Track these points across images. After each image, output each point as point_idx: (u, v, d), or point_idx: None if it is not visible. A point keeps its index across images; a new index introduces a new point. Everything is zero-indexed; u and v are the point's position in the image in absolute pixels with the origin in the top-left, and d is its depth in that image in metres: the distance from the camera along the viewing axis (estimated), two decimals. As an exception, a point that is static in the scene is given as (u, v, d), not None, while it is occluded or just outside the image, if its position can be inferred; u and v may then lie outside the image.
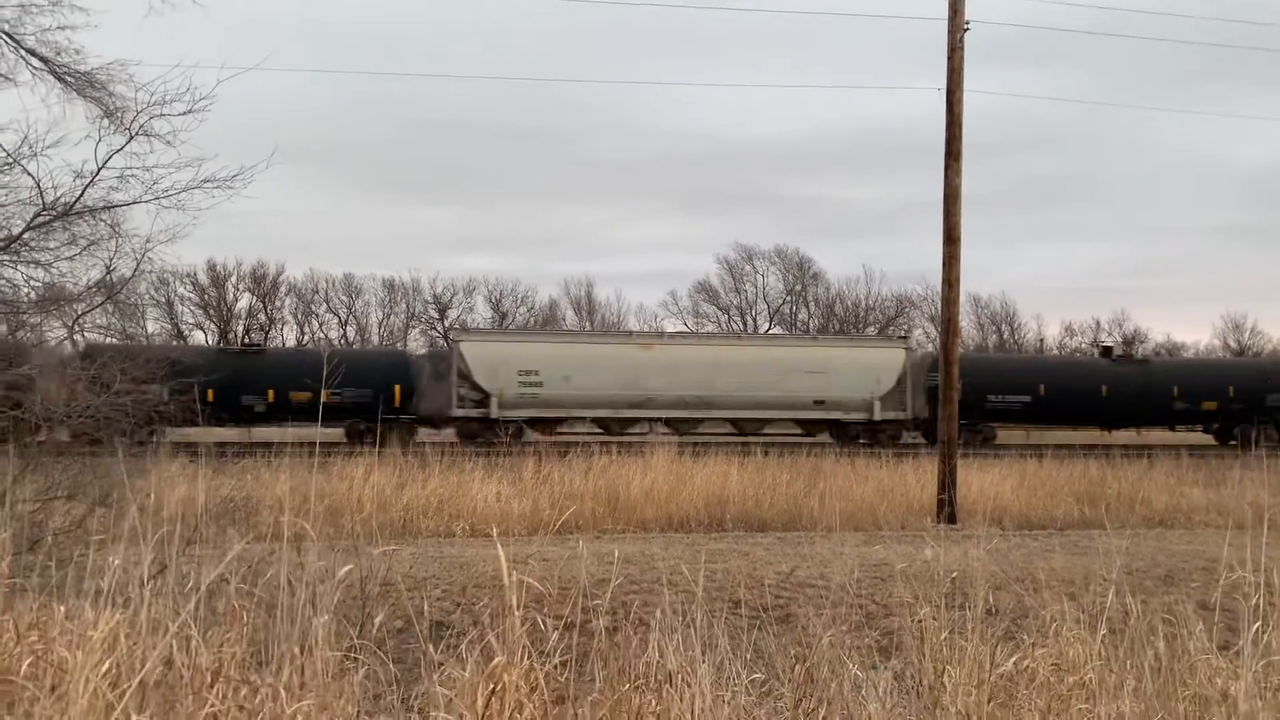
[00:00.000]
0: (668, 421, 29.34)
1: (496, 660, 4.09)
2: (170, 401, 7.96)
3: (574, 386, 28.69)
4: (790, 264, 62.40)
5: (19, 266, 8.57)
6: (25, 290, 8.87)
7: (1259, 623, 5.05)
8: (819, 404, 29.91)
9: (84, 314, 8.98)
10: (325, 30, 73.93)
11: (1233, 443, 30.90)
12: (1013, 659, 5.21)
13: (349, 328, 59.94)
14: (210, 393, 24.17)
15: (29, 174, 8.19)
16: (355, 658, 4.73)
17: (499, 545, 4.48)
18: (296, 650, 4.28)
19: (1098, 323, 63.20)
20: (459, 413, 28.51)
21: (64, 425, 7.95)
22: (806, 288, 62.51)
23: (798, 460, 17.45)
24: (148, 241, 8.60)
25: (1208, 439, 33.17)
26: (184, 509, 9.02)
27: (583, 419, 29.42)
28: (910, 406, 30.60)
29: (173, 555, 5.06)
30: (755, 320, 62.12)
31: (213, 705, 3.95)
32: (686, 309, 62.30)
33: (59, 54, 9.09)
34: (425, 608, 7.63)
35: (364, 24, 76.51)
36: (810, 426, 30.28)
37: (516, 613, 4.22)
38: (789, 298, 62.64)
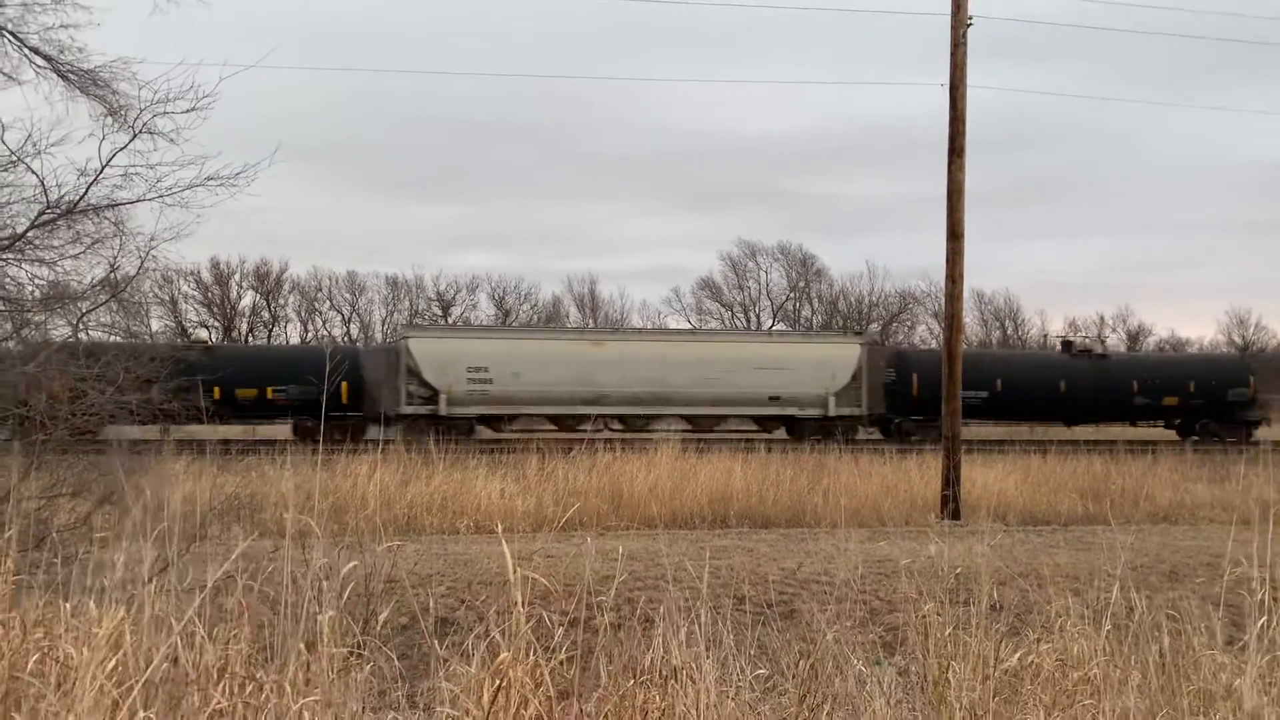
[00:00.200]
0: (621, 418, 29.14)
1: (502, 656, 4.09)
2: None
3: (524, 383, 28.42)
4: (793, 260, 62.44)
5: (24, 265, 8.59)
6: (30, 288, 8.89)
7: (1264, 618, 5.05)
8: (774, 400, 29.70)
9: (88, 312, 8.98)
10: (325, 28, 73.98)
11: (1194, 439, 30.65)
12: (1017, 654, 5.21)
13: (352, 325, 60.04)
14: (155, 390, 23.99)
15: (33, 172, 8.20)
16: (360, 654, 4.74)
17: (504, 542, 4.48)
18: (302, 647, 4.29)
19: (1102, 318, 63.19)
20: (408, 410, 28.22)
21: (67, 423, 7.97)
22: (810, 284, 62.52)
23: (801, 457, 17.44)
24: (152, 239, 8.60)
25: (1170, 434, 32.85)
26: (188, 506, 9.04)
27: (534, 416, 29.11)
28: (865, 402, 30.43)
29: (174, 554, 5.07)
30: (759, 317, 62.13)
31: (218, 702, 3.95)
32: (690, 306, 62.38)
33: (62, 52, 9.11)
34: (430, 604, 7.64)
35: (364, 22, 76.54)
36: (765, 423, 30.05)
37: (521, 609, 4.22)
38: (792, 294, 62.65)
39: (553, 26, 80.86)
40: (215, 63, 8.47)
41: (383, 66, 75.24)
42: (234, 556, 4.57)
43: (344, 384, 28.03)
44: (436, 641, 4.77)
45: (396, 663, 4.95)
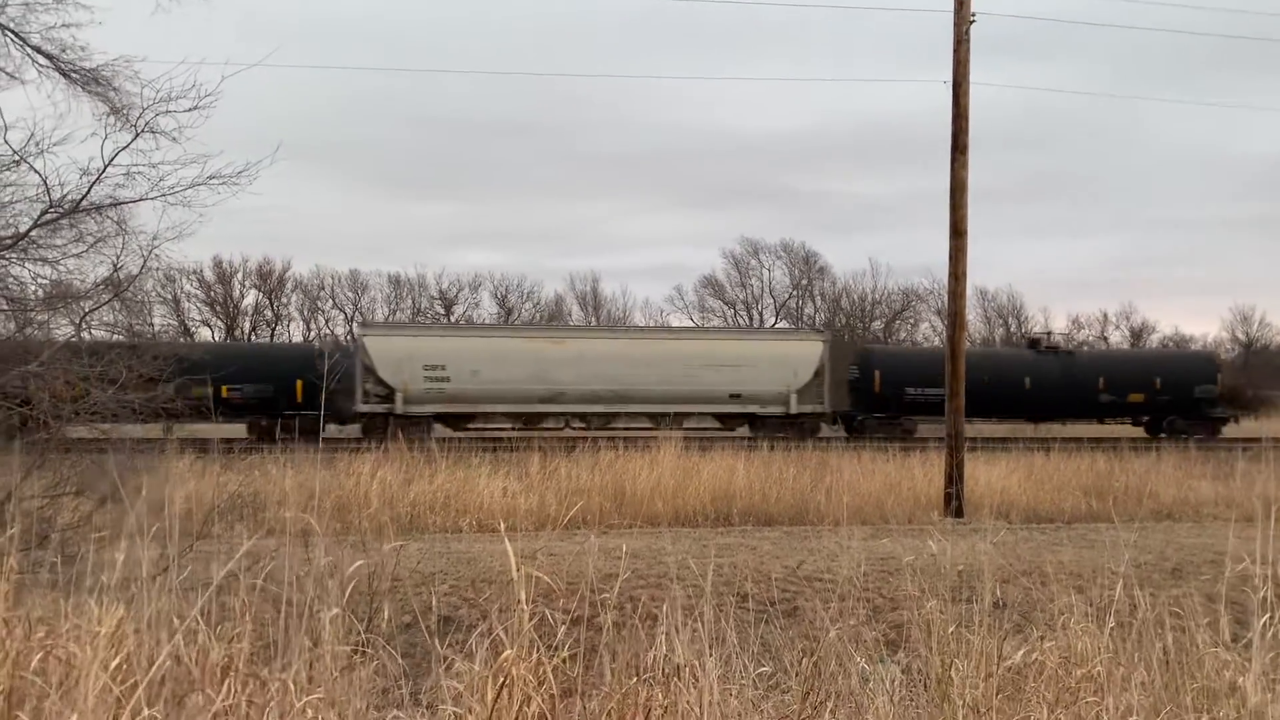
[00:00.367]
0: (581, 416, 29.06)
1: (506, 654, 4.09)
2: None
3: (482, 381, 28.31)
4: (796, 258, 62.39)
5: (26, 264, 8.60)
6: (33, 288, 8.90)
7: (1268, 615, 5.04)
8: (735, 398, 29.56)
9: (91, 311, 8.99)
10: (327, 28, 73.99)
11: (1162, 435, 30.51)
12: (1021, 652, 5.20)
13: (355, 324, 60.03)
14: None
15: (36, 171, 8.21)
16: (364, 652, 4.75)
17: (506, 540, 4.49)
18: (307, 644, 4.29)
19: (1105, 315, 63.07)
20: (364, 408, 28.15)
21: (70, 422, 7.98)
22: (813, 282, 62.47)
23: (804, 454, 17.44)
24: (154, 238, 8.61)
25: (1137, 431, 32.68)
26: (192, 505, 9.05)
27: (493, 414, 28.99)
28: (828, 399, 30.37)
29: (174, 553, 5.08)
30: (761, 315, 62.10)
31: (223, 700, 3.96)
32: (692, 304, 62.34)
33: (64, 51, 9.13)
34: (434, 603, 7.65)
35: (365, 22, 76.56)
36: (728, 420, 29.92)
37: (525, 607, 4.22)
38: (795, 292, 62.62)
39: (553, 25, 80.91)
40: (217, 62, 8.49)
41: (384, 66, 75.26)
42: (239, 555, 4.58)
43: (299, 382, 27.91)
44: (439, 639, 4.77)
45: (400, 660, 4.95)
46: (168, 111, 8.38)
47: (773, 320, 61.85)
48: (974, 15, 14.72)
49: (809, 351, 30.38)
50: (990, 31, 33.57)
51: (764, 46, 77.94)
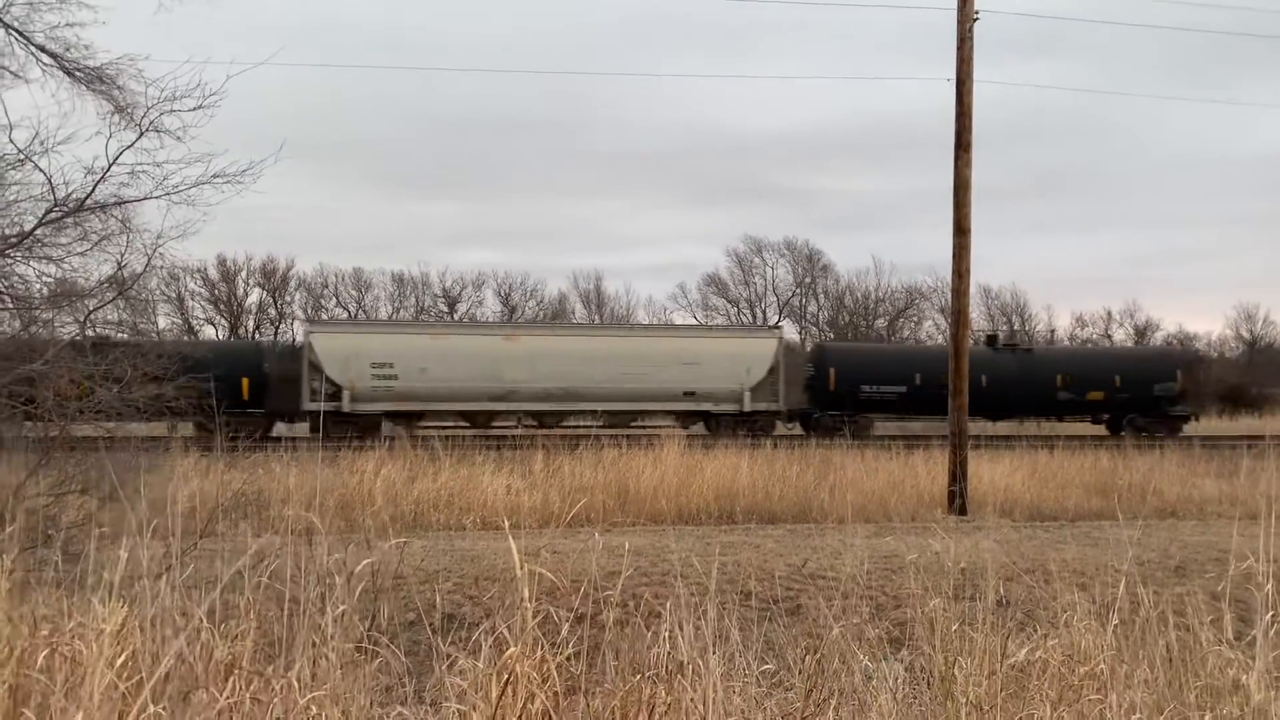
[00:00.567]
0: (534, 414, 28.89)
1: (511, 651, 4.10)
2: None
3: (431, 379, 28.01)
4: (800, 256, 62.36)
5: (31, 262, 8.62)
6: (37, 286, 8.92)
7: (1271, 613, 5.04)
8: (689, 395, 29.39)
9: (95, 310, 9.01)
10: (327, 26, 74.01)
11: (1123, 433, 30.41)
12: (1024, 650, 5.20)
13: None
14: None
15: (41, 170, 8.23)
16: (367, 649, 4.75)
17: (510, 538, 4.49)
18: (315, 639, 4.30)
19: (1109, 313, 63.00)
20: (311, 406, 27.75)
21: (75, 420, 8.00)
22: (816, 280, 62.45)
23: (807, 452, 17.44)
24: (158, 237, 8.63)
25: (1098, 429, 32.46)
26: (196, 503, 9.07)
27: (443, 412, 28.74)
28: (783, 397, 30.21)
29: (178, 551, 5.09)
30: (765, 312, 62.10)
31: (227, 698, 3.97)
32: (696, 302, 62.33)
33: (68, 50, 9.13)
34: (438, 601, 7.66)
35: (369, 20, 76.59)
36: (683, 418, 29.80)
37: (529, 604, 4.23)
38: (798, 290, 62.60)
39: (556, 23, 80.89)
40: (222, 61, 8.50)
41: (388, 65, 75.29)
42: (248, 554, 4.59)
43: (244, 380, 27.66)
44: (443, 637, 4.78)
45: (403, 658, 4.96)
46: (172, 110, 8.40)
47: (776, 318, 61.86)
48: (977, 13, 14.71)
49: (762, 349, 30.24)
50: (993, 28, 33.52)
51: (769, 45, 77.94)
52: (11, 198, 8.48)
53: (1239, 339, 62.80)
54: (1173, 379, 32.51)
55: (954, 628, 5.37)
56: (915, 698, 5.17)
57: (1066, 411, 32.72)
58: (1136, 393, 31.92)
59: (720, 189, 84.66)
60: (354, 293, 60.05)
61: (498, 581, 8.45)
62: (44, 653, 4.15)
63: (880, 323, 60.38)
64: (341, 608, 4.53)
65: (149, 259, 8.83)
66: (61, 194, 8.24)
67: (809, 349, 35.47)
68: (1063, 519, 13.81)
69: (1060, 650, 5.18)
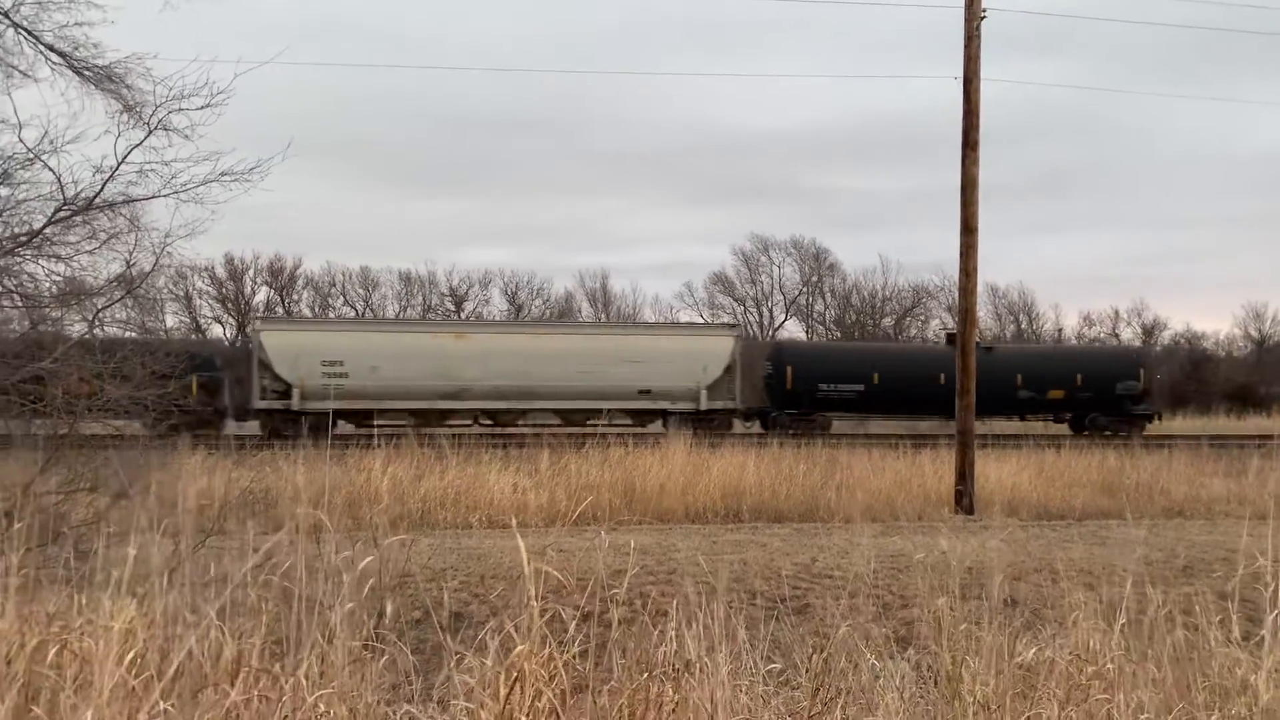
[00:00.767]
0: (488, 413, 28.71)
1: (519, 649, 4.11)
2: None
3: (382, 377, 27.74)
4: (806, 255, 62.30)
5: (40, 261, 8.64)
6: (46, 284, 8.95)
7: (1279, 613, 5.02)
8: (644, 393, 29.15)
9: (104, 308, 9.03)
10: (336, 26, 74.11)
11: (1086, 432, 30.29)
12: (1033, 650, 5.20)
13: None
14: None
15: (50, 169, 8.24)
16: (374, 647, 4.76)
17: (518, 535, 4.50)
18: (320, 639, 4.31)
19: (1116, 312, 62.82)
20: (261, 404, 27.67)
21: (84, 418, 8.02)
22: (823, 279, 62.38)
23: (814, 451, 17.43)
24: (167, 235, 8.64)
25: (1061, 428, 32.22)
26: (203, 501, 9.10)
27: (395, 410, 28.40)
28: (739, 396, 30.10)
29: (187, 549, 5.11)
30: (771, 311, 62.08)
31: (236, 695, 3.98)
32: (702, 300, 62.30)
33: (77, 49, 9.15)
34: (445, 598, 7.67)
35: (374, 20, 76.64)
36: (640, 416, 29.58)
37: (535, 602, 4.24)
38: (805, 289, 62.55)
39: (561, 22, 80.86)
40: (229, 59, 8.51)
41: (393, 63, 75.35)
42: (261, 551, 4.60)
43: (193, 379, 27.64)
44: (450, 635, 4.78)
45: (410, 656, 4.97)
46: (180, 109, 8.41)
47: (783, 317, 61.82)
48: (985, 11, 14.68)
49: (719, 347, 30.09)
50: (1000, 27, 33.42)
51: (775, 43, 77.84)
52: (21, 196, 8.51)
53: (1247, 338, 62.61)
54: (1135, 378, 32.39)
55: (961, 627, 5.37)
56: (922, 697, 5.16)
57: (1028, 410, 32.48)
58: (1098, 391, 31.79)
59: (727, 187, 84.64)
60: (361, 291, 60.14)
61: (504, 580, 8.46)
62: (54, 649, 4.17)
63: (887, 322, 60.29)
64: (349, 605, 4.54)
65: (157, 257, 8.85)
66: (70, 193, 8.26)
67: (767, 347, 35.31)
68: (1070, 518, 13.79)
69: (1068, 650, 5.18)
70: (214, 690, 4.00)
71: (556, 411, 29.09)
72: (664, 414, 29.43)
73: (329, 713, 4.05)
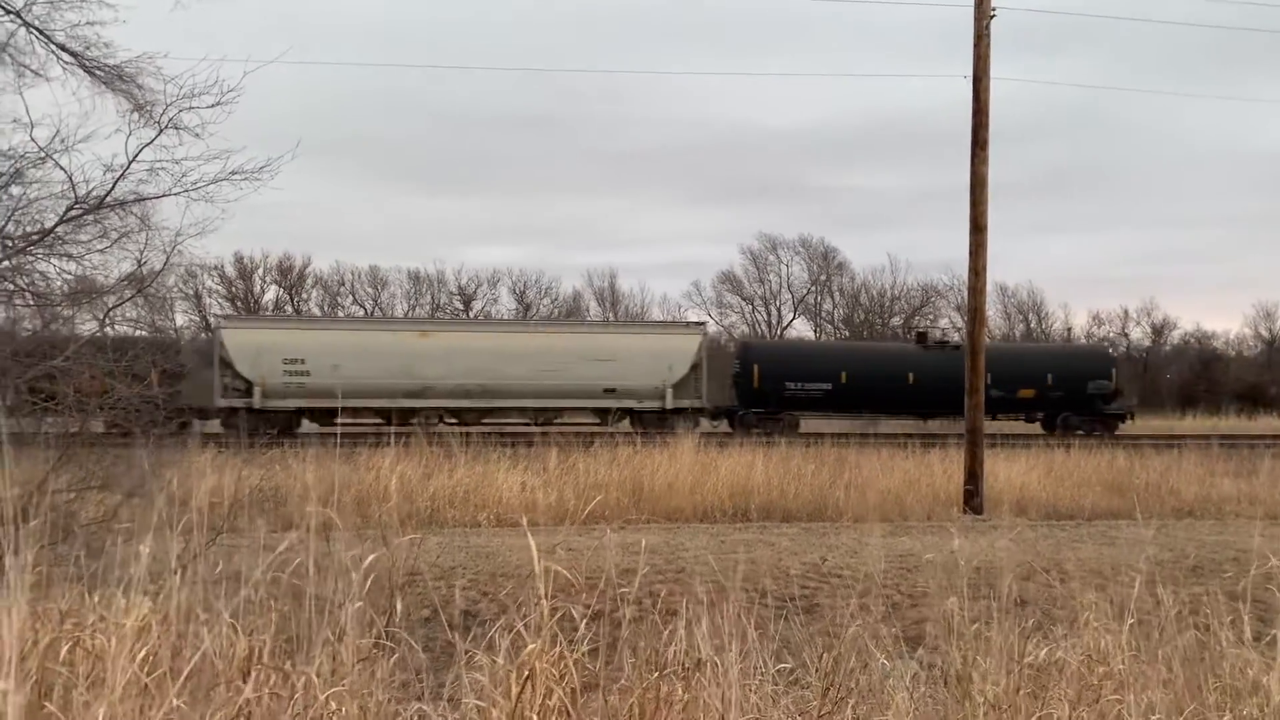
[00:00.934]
0: (452, 411, 28.55)
1: (530, 647, 4.12)
2: None
3: (344, 376, 27.33)
4: (815, 254, 62.24)
5: (51, 259, 8.68)
6: (58, 283, 8.98)
7: (1291, 613, 5.01)
8: (609, 392, 29.05)
9: (115, 307, 9.06)
10: (346, 24, 74.18)
11: (1058, 431, 30.18)
12: (1044, 650, 5.19)
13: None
14: None
15: (61, 168, 8.28)
16: (384, 645, 4.77)
17: (529, 534, 4.51)
18: (331, 636, 4.32)
19: (1126, 312, 62.68)
20: (223, 403, 27.50)
21: (96, 416, 8.05)
22: (831, 278, 62.31)
23: (822, 451, 17.42)
24: (177, 234, 8.66)
25: (1033, 427, 32.11)
26: (213, 499, 9.11)
27: (358, 409, 28.42)
28: (706, 394, 30.04)
29: (199, 546, 5.12)
30: (779, 310, 62.01)
31: (249, 692, 3.99)
32: (710, 299, 62.28)
33: (88, 48, 9.19)
34: (456, 596, 7.69)
35: (382, 19, 76.73)
36: (604, 415, 29.45)
37: (546, 601, 4.24)
38: (813, 288, 62.47)
39: (572, 19, 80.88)
40: (239, 58, 8.54)
41: (404, 62, 75.45)
42: (278, 551, 4.61)
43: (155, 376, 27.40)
44: (460, 633, 4.79)
45: (421, 654, 4.98)
46: (190, 108, 8.43)
47: (791, 316, 61.75)
48: (994, 10, 14.65)
49: (684, 346, 30.01)
50: (1009, 26, 33.30)
51: (782, 43, 77.75)
52: (33, 195, 8.54)
53: (1258, 338, 62.42)
54: (1107, 377, 32.23)
55: (971, 627, 5.36)
56: (932, 697, 5.16)
57: (998, 410, 31.95)
58: (1069, 390, 31.62)
59: (735, 187, 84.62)
60: (370, 290, 60.25)
61: (513, 578, 8.48)
62: (67, 646, 4.19)
63: (896, 321, 60.19)
64: (359, 603, 4.55)
65: (168, 256, 8.87)
66: (81, 191, 8.29)
67: (734, 346, 35.29)
68: (1079, 518, 13.76)
69: (1078, 650, 5.17)
70: (226, 687, 4.01)
71: (521, 410, 28.99)
72: (630, 413, 29.33)
73: (340, 710, 4.07)
